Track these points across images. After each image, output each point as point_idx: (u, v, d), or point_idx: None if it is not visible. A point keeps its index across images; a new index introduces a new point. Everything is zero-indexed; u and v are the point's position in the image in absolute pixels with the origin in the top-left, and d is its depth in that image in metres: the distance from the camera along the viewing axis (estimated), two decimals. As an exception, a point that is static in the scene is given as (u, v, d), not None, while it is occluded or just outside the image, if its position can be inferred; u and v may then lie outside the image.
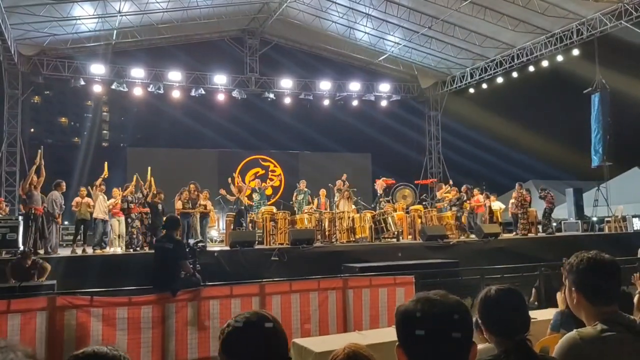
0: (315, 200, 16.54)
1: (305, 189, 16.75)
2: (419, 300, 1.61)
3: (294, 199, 16.75)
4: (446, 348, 1.54)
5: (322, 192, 16.69)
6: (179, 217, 10.55)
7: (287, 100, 23.37)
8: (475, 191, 16.86)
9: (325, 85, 23.54)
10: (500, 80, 22.20)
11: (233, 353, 1.96)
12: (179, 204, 13.60)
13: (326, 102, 24.07)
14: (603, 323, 2.08)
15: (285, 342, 2.04)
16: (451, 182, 17.97)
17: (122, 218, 13.30)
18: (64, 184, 12.94)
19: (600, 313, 2.13)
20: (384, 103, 24.83)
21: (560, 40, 19.48)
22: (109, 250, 12.99)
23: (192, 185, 13.91)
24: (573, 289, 2.23)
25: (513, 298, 2.27)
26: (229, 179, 15.53)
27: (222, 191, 15.69)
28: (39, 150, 12.29)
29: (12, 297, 7.14)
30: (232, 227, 14.99)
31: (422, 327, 1.55)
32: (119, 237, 13.47)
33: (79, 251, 12.68)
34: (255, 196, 16.61)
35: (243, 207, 15.14)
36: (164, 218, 8.84)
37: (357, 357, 2.53)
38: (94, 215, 12.89)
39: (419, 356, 1.55)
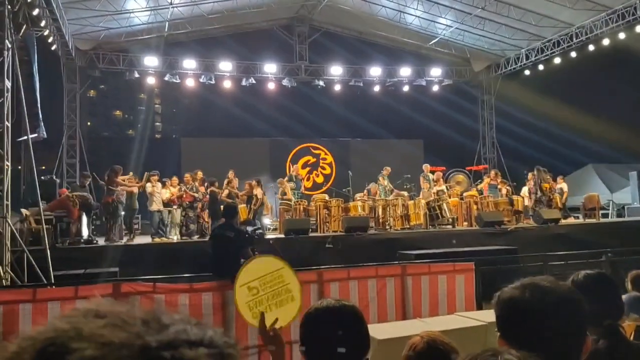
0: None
1: (297, 175, 16.20)
2: (526, 287, 1.47)
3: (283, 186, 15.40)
4: (559, 341, 1.39)
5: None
6: (236, 205, 10.65)
7: (337, 88, 23.20)
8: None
9: (375, 71, 23.24)
10: (557, 61, 21.34)
11: (312, 338, 1.98)
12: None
13: (376, 89, 23.76)
14: None
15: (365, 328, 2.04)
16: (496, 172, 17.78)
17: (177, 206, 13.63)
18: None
19: None
20: (435, 88, 24.34)
21: (622, 17, 18.54)
22: (167, 239, 13.30)
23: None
24: None
25: (602, 283, 2.14)
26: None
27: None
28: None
29: (79, 284, 7.39)
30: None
31: (532, 317, 1.40)
32: (175, 226, 13.80)
33: (135, 240, 13.12)
34: (291, 184, 15.60)
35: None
36: (222, 206, 8.91)
37: (437, 345, 2.47)
38: (150, 208, 13.28)
39: (528, 350, 1.42)
